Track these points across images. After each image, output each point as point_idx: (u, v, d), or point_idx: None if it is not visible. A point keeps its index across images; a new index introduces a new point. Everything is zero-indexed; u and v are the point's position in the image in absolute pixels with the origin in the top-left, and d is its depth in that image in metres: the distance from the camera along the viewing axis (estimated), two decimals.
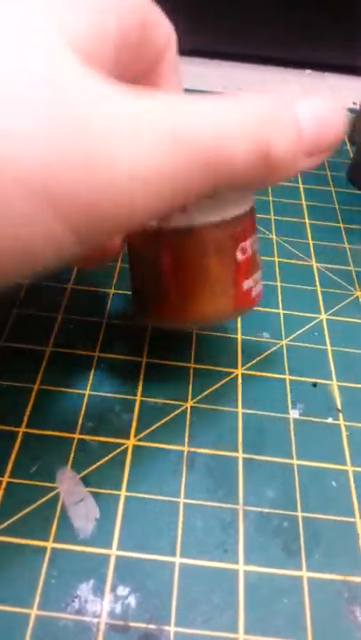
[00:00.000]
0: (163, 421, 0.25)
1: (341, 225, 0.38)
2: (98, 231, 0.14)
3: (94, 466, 0.23)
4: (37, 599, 0.20)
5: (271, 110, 0.16)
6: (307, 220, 0.38)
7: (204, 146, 0.14)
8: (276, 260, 0.35)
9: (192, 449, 0.25)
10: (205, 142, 0.14)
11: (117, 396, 0.26)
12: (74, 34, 0.14)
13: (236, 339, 0.29)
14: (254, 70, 0.58)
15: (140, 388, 0.27)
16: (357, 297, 0.33)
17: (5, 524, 0.21)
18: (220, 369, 0.28)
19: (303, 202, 0.40)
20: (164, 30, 0.19)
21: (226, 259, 0.21)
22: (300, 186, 0.41)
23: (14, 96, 0.12)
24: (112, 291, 0.31)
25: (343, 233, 0.37)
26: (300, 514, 0.23)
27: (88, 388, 0.26)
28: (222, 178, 0.15)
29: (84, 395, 0.26)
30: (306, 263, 0.35)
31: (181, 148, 0.14)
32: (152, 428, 0.25)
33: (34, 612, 0.20)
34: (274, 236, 0.36)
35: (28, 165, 0.12)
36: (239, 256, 0.22)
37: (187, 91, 0.22)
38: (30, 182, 0.12)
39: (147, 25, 0.17)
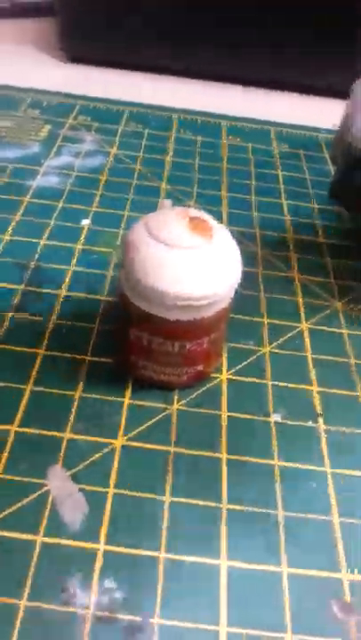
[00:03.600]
0: (150, 423, 0.26)
1: (322, 240, 0.39)
2: None
3: (84, 464, 0.24)
4: (27, 590, 0.20)
5: None
6: (291, 235, 0.40)
7: None
8: (261, 271, 0.36)
9: (178, 449, 0.25)
10: None
11: (107, 398, 0.27)
12: None
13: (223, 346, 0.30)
14: (251, 93, 0.60)
15: (128, 391, 0.27)
16: (337, 308, 0.34)
17: None
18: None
19: (286, 217, 0.41)
20: None
21: None
22: (284, 202, 0.43)
23: None
24: (102, 297, 0.32)
25: (324, 248, 0.39)
26: (280, 512, 0.24)
27: (79, 390, 0.27)
28: None
29: (74, 396, 0.27)
30: (289, 275, 0.36)
31: None
32: (140, 428, 0.26)
33: (23, 602, 0.20)
34: (259, 250, 0.38)
35: None
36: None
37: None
38: None
39: None
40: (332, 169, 0.48)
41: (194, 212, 0.25)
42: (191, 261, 0.23)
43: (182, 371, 0.26)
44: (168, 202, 0.25)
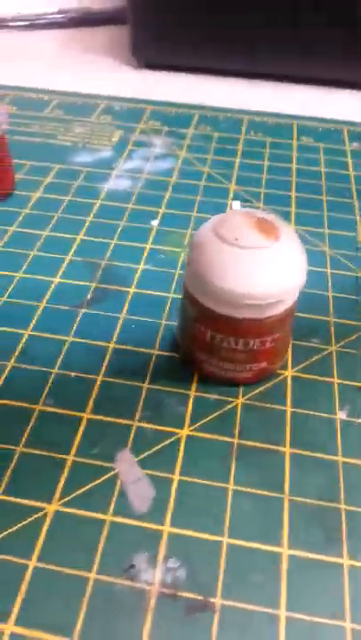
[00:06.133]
0: (215, 415, 0.27)
1: None
2: None
3: (151, 451, 0.25)
4: (96, 565, 0.22)
5: None
6: (360, 235, 0.39)
7: None
8: (329, 271, 0.36)
9: (241, 442, 0.26)
10: None
11: (173, 390, 0.28)
12: None
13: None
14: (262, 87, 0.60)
15: (194, 384, 0.28)
16: None
17: (69, 498, 0.24)
18: None
19: (357, 217, 0.41)
20: None
21: None
22: (355, 202, 0.42)
23: None
24: (170, 295, 0.33)
25: None
26: (343, 506, 0.24)
27: (147, 381, 0.28)
28: None
29: (142, 387, 0.28)
30: (358, 274, 0.36)
31: None
32: (205, 420, 0.27)
33: (93, 575, 0.22)
34: (327, 249, 0.38)
35: None
36: None
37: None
38: None
39: None
40: None
41: (261, 214, 0.25)
42: (257, 261, 0.24)
43: (246, 367, 0.27)
44: (237, 203, 0.26)
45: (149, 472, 0.25)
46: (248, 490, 0.24)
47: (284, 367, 0.30)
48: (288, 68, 0.60)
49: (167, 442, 0.26)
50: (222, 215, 0.26)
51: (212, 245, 0.24)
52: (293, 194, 0.43)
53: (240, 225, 0.24)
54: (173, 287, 0.34)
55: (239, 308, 0.24)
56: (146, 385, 0.28)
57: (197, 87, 0.60)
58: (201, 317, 0.26)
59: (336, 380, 0.29)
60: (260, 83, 0.61)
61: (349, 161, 0.47)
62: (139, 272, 0.35)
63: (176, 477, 0.25)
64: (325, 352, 0.31)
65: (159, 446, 0.26)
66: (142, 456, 0.25)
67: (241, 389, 0.28)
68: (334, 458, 0.26)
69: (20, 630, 0.20)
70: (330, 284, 0.35)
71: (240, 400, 0.28)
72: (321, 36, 0.56)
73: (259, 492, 0.24)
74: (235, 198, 0.42)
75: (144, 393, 0.28)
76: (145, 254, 0.36)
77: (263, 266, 0.24)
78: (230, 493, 0.24)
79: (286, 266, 0.24)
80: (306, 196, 0.43)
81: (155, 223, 0.39)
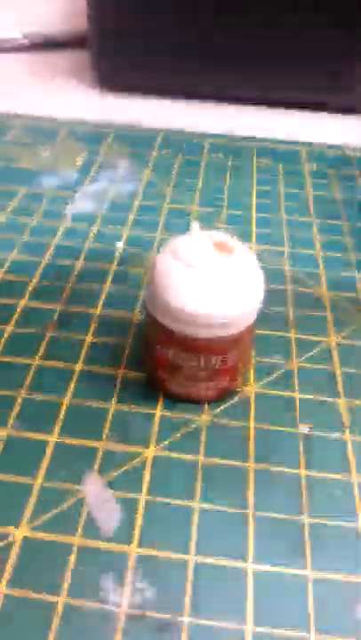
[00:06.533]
0: (180, 434, 0.28)
1: (353, 257, 0.40)
2: None
3: (118, 472, 0.26)
4: (65, 589, 0.22)
5: None
6: (319, 252, 0.41)
7: None
8: (288, 288, 0.37)
9: (207, 459, 0.27)
10: None
11: (140, 409, 0.28)
12: None
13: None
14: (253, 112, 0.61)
15: (159, 403, 0.29)
16: None
17: (37, 522, 0.24)
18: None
19: (316, 236, 0.42)
20: None
21: None
22: (314, 221, 0.44)
23: None
24: (135, 314, 0.34)
25: (354, 264, 0.40)
26: (306, 519, 0.25)
27: (113, 401, 0.29)
28: None
29: (109, 408, 0.28)
30: (316, 291, 0.37)
31: None
32: (171, 439, 0.27)
33: (62, 599, 0.22)
34: (287, 267, 0.39)
35: None
36: None
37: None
38: None
39: None
40: None
41: (218, 235, 0.26)
42: (214, 281, 0.24)
43: (208, 386, 0.28)
44: (195, 225, 0.26)
45: (117, 493, 0.25)
46: (214, 507, 0.25)
47: (248, 383, 0.30)
48: (250, 92, 0.62)
49: (134, 462, 0.26)
50: (181, 237, 0.27)
51: (170, 267, 0.25)
52: (254, 214, 0.44)
53: (198, 246, 0.25)
54: (138, 307, 0.34)
55: (199, 327, 0.25)
56: (113, 406, 0.29)
57: (161, 110, 0.61)
58: (162, 338, 0.26)
59: (298, 395, 0.30)
60: (223, 106, 0.63)
61: (308, 181, 0.49)
62: (104, 293, 0.35)
63: (143, 497, 0.25)
64: (287, 367, 0.32)
65: (126, 467, 0.26)
66: (109, 477, 0.26)
67: (206, 407, 0.29)
68: (297, 472, 0.27)
69: None
70: (290, 300, 0.36)
71: (205, 418, 0.29)
72: (281, 61, 0.58)
73: (224, 509, 0.25)
74: (198, 219, 0.43)
75: (111, 414, 0.28)
76: (110, 276, 0.37)
77: (221, 284, 0.24)
78: (197, 511, 0.25)
79: (244, 285, 0.25)
80: (266, 216, 0.44)
81: (120, 245, 0.40)
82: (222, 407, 0.29)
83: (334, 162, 0.52)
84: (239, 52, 0.58)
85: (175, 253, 0.25)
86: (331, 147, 0.54)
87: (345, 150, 0.54)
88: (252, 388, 0.30)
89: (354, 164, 0.52)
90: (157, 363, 0.28)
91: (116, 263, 0.38)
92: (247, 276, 0.25)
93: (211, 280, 0.24)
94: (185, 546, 0.24)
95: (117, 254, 0.39)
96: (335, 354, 0.33)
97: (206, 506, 0.25)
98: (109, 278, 0.37)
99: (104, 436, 0.27)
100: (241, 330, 0.26)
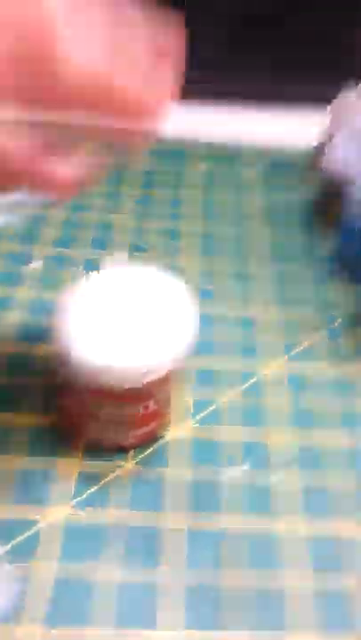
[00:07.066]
0: (97, 487, 0.25)
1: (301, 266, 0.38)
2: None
3: (18, 540, 0.23)
4: None
5: None
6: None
7: None
8: (218, 313, 0.34)
9: (126, 515, 0.24)
10: None
11: (52, 462, 0.26)
12: None
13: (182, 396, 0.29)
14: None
15: (78, 453, 0.26)
16: (306, 345, 0.32)
17: None
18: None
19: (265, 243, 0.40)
20: None
21: None
22: (261, 228, 0.41)
23: None
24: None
25: (302, 273, 0.37)
26: (227, 577, 0.22)
27: (22, 454, 0.26)
28: None
29: (14, 462, 0.26)
30: (248, 315, 0.34)
31: None
32: (86, 494, 0.25)
33: None
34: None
35: None
36: None
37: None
38: None
39: None
40: (312, 190, 0.46)
41: (139, 269, 0.23)
42: (132, 326, 0.22)
43: (129, 434, 0.25)
44: (119, 256, 0.24)
45: (19, 565, 0.22)
46: (132, 578, 0.22)
47: (177, 425, 0.28)
48: (190, 86, 0.59)
49: (40, 526, 0.24)
50: (96, 273, 0.24)
51: (79, 312, 0.22)
52: (201, 221, 0.41)
53: (114, 284, 0.22)
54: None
55: (115, 377, 0.22)
56: (21, 459, 0.26)
57: None
58: (80, 385, 0.23)
59: (227, 437, 0.28)
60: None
61: (255, 184, 0.46)
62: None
63: (52, 571, 0.22)
64: (217, 405, 0.29)
65: (31, 532, 0.23)
66: (8, 547, 0.23)
67: (129, 454, 0.26)
68: (222, 526, 0.24)
69: None
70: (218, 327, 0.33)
71: (127, 467, 0.26)
72: (217, 57, 0.55)
73: (143, 576, 0.22)
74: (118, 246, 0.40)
75: (18, 470, 0.25)
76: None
77: (141, 331, 0.22)
78: (114, 582, 0.22)
79: (168, 328, 0.22)
80: (213, 222, 0.41)
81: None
82: (146, 453, 0.27)
83: (278, 164, 0.49)
84: None
85: (86, 295, 0.22)
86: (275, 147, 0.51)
87: (284, 152, 0.51)
88: (181, 430, 0.28)
89: (294, 165, 0.49)
90: (76, 410, 0.25)
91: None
92: (173, 318, 0.23)
93: (128, 327, 0.22)
94: (105, 620, 0.21)
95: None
96: (267, 388, 0.30)
97: (124, 575, 0.23)
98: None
99: (12, 499, 0.24)
100: (164, 374, 0.23)
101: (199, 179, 0.46)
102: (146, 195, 0.43)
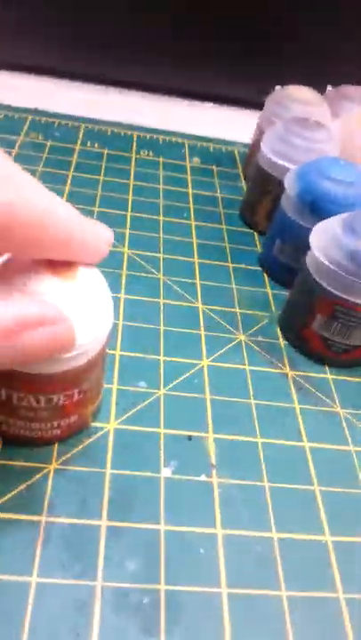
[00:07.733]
0: (20, 488, 0.23)
1: (230, 265, 0.37)
2: None
3: None
4: None
5: None
6: (196, 259, 0.37)
7: None
8: (162, 301, 0.33)
9: (50, 519, 0.22)
10: None
11: None
12: None
13: (111, 389, 0.28)
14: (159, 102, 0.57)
15: None
16: (240, 341, 0.32)
17: None
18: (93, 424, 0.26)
19: (194, 240, 0.39)
20: None
21: None
22: (193, 223, 0.40)
23: None
24: None
25: (231, 273, 0.37)
26: (162, 587, 0.21)
27: None
28: None
29: None
30: (192, 305, 0.34)
31: None
32: (7, 496, 0.23)
33: None
34: (161, 276, 0.35)
35: None
36: None
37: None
38: None
39: None
40: (244, 186, 0.46)
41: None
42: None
43: (53, 425, 0.24)
44: None
45: None
46: (55, 581, 0.21)
47: (106, 419, 0.26)
48: (134, 75, 0.57)
49: None
50: (10, 255, 0.22)
51: None
52: (130, 213, 0.40)
53: (29, 267, 0.21)
54: None
55: (34, 363, 0.20)
56: None
57: (36, 90, 0.55)
58: None
59: (163, 431, 0.27)
60: (107, 89, 0.58)
61: (189, 178, 0.45)
62: None
63: None
64: (153, 397, 0.28)
65: None
66: None
67: (55, 450, 0.25)
68: (156, 527, 0.23)
69: None
70: (162, 316, 0.33)
71: (52, 465, 0.24)
72: (164, 47, 0.54)
73: (67, 581, 0.21)
74: None
75: None
76: None
77: None
78: (34, 587, 0.21)
79: (87, 311, 0.21)
80: (142, 216, 0.40)
81: None
82: (75, 449, 0.25)
83: (218, 158, 0.49)
84: (125, 34, 0.53)
85: (3, 275, 0.20)
86: (215, 140, 0.51)
87: (227, 146, 0.51)
88: (111, 425, 0.26)
89: (236, 159, 0.49)
90: None
91: None
92: (92, 301, 0.21)
93: None
94: (16, 633, 0.19)
95: None
96: (207, 379, 0.29)
97: (46, 580, 0.21)
98: None
99: None
100: (86, 361, 0.22)
101: (135, 165, 0.45)
102: (77, 177, 0.42)
